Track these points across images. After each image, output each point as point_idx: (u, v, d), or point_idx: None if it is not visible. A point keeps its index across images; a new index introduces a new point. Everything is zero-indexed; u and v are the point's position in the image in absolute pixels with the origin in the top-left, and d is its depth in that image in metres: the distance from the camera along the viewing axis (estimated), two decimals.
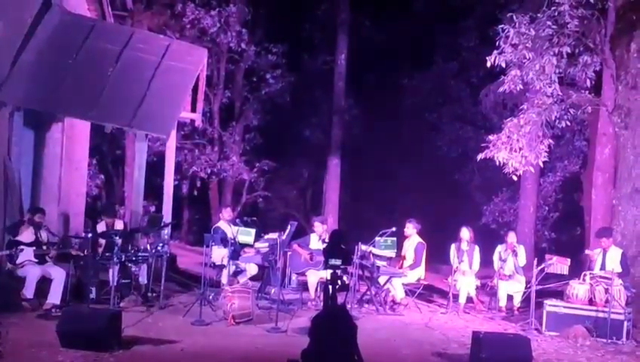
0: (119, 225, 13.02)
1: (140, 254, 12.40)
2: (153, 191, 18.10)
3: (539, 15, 13.15)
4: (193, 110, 16.14)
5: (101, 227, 12.80)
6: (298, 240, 14.00)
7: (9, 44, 13.17)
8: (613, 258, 12.44)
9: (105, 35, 14.67)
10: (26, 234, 11.55)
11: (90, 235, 12.51)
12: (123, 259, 11.99)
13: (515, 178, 14.55)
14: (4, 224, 12.36)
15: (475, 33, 24.46)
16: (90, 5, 16.32)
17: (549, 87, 13.36)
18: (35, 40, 13.70)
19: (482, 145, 14.17)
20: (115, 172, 25.28)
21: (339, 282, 6.91)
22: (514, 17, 13.12)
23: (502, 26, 13.36)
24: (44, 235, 11.85)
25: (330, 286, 7.05)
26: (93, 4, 16.35)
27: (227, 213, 14.37)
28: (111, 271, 11.68)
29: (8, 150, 13.00)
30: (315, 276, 13.12)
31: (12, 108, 13.04)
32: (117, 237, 11.86)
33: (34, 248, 11.46)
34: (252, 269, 13.65)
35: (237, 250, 13.37)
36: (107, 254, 12.04)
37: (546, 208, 23.73)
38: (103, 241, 12.44)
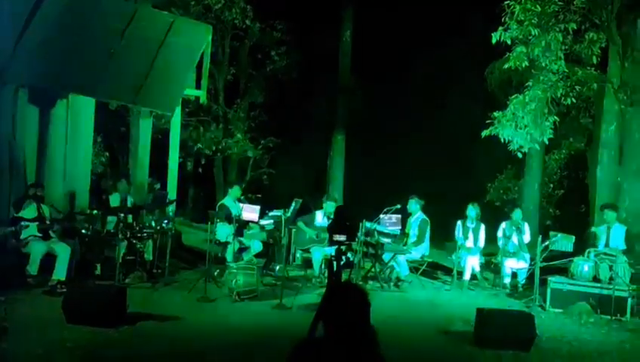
0: (130, 200, 13.11)
1: (145, 231, 12.44)
2: (158, 168, 18.10)
3: None
4: (198, 87, 16.11)
5: (114, 199, 12.88)
6: (303, 217, 14.04)
7: (14, 21, 13.13)
8: (618, 235, 12.46)
9: (109, 12, 14.60)
10: (29, 210, 11.56)
11: (95, 212, 12.55)
12: (128, 236, 12.03)
13: (520, 155, 14.54)
14: (10, 201, 12.38)
15: (480, 10, 24.30)
16: None
17: (555, 63, 13.33)
18: (40, 17, 13.63)
19: (487, 122, 14.15)
20: (120, 149, 25.18)
21: (343, 258, 6.91)
22: None
23: (508, 2, 13.31)
24: (46, 210, 11.86)
25: (334, 263, 7.06)
26: None
27: (237, 191, 14.28)
28: (117, 247, 11.71)
29: (13, 128, 13.00)
30: (320, 252, 13.17)
31: (16, 85, 13.03)
32: (122, 215, 11.92)
33: (37, 223, 11.48)
34: (256, 246, 13.68)
35: (242, 227, 13.40)
36: (112, 231, 12.08)
37: (551, 185, 23.69)
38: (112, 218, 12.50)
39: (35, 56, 13.09)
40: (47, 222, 11.70)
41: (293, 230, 14.09)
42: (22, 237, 11.26)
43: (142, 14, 14.88)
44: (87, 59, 13.65)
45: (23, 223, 11.24)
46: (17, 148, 13.00)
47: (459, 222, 14.02)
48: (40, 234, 11.46)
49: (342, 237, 7.13)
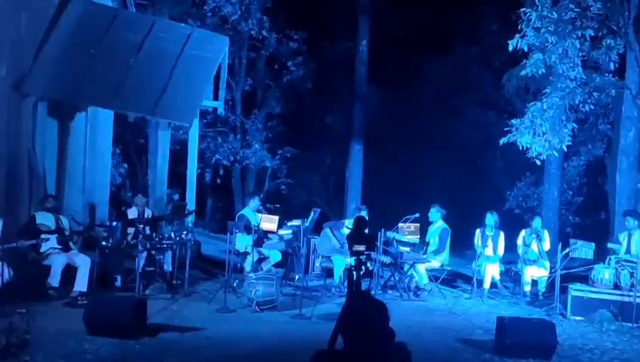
0: (149, 212, 13.15)
1: (164, 242, 12.48)
2: (177, 179, 18.17)
3: None
4: (215, 98, 16.16)
5: (132, 213, 12.93)
6: (331, 223, 14.07)
7: (32, 35, 13.25)
8: (639, 242, 12.38)
9: (127, 25, 14.70)
10: (47, 223, 11.58)
11: (115, 223, 12.61)
12: (148, 247, 12.07)
13: (538, 162, 14.49)
14: (30, 214, 12.46)
15: (496, 17, 24.32)
16: None
17: (573, 70, 13.30)
18: (58, 31, 13.76)
19: (505, 129, 14.12)
20: (138, 161, 25.36)
21: (363, 268, 6.92)
22: (536, 0, 13.04)
23: (524, 9, 13.29)
24: (65, 222, 11.90)
25: (354, 272, 7.07)
26: None
27: (255, 202, 14.30)
28: (136, 258, 11.75)
29: (32, 141, 13.10)
30: (342, 262, 13.16)
31: (36, 98, 13.13)
32: (142, 226, 11.95)
33: (56, 235, 11.51)
34: (276, 256, 13.69)
35: (261, 237, 13.42)
36: (133, 242, 12.12)
37: (570, 192, 23.62)
38: (130, 230, 12.55)
39: (53, 69, 13.22)
40: (67, 233, 11.75)
41: (314, 239, 14.11)
42: (42, 250, 11.29)
43: (159, 27, 14.96)
44: (106, 71, 13.73)
45: (43, 236, 11.25)
46: (37, 160, 13.09)
47: (478, 231, 13.97)
48: (60, 247, 11.50)
49: (361, 247, 7.14)
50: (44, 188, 13.23)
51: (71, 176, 14.74)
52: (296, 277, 13.54)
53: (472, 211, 15.98)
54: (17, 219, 12.27)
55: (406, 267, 13.60)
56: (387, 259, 13.33)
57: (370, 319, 3.83)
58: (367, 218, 13.02)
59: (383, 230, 13.16)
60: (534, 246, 13.63)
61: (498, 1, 23.67)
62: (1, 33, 12.20)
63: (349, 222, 13.90)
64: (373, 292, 12.27)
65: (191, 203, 14.68)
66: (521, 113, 14.51)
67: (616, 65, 14.07)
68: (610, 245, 13.13)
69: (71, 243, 11.79)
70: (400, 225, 13.70)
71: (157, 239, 12.40)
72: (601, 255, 12.76)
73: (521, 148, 14.00)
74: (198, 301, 11.82)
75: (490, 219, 13.91)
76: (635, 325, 11.17)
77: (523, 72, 14.01)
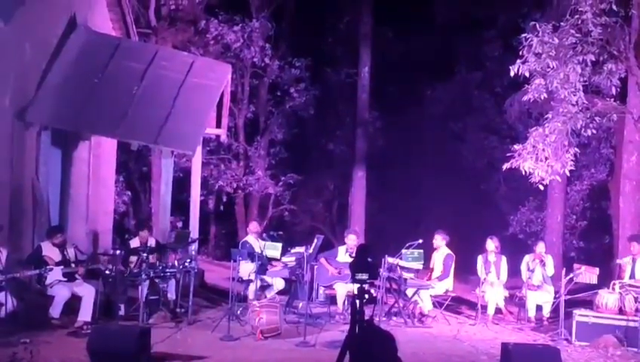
0: (152, 241, 13.12)
1: (168, 270, 12.44)
2: (180, 206, 18.19)
3: (562, 24, 13.10)
4: (218, 125, 16.21)
5: (134, 243, 12.91)
6: (325, 253, 14.04)
7: (36, 64, 13.35)
8: None
9: (130, 54, 14.81)
10: (54, 254, 11.56)
11: (118, 252, 12.59)
12: (151, 275, 12.05)
13: (541, 187, 14.48)
14: (34, 243, 12.47)
15: (498, 43, 24.43)
16: (114, 24, 16.49)
17: (574, 95, 13.28)
18: (61, 60, 13.86)
19: (508, 154, 14.12)
20: (141, 188, 25.41)
21: (366, 296, 6.90)
22: (537, 26, 13.09)
23: (525, 35, 13.33)
24: (71, 253, 11.87)
25: (357, 301, 7.06)
26: (117, 22, 16.51)
27: (254, 226, 14.44)
28: (140, 287, 11.73)
29: (36, 169, 13.15)
30: (344, 288, 13.14)
31: (39, 127, 13.20)
32: (145, 254, 11.94)
33: (62, 267, 11.49)
34: (279, 283, 13.68)
35: (264, 265, 13.39)
36: (136, 270, 12.10)
37: (574, 217, 23.55)
38: (133, 258, 12.51)
39: (57, 98, 13.29)
40: (72, 265, 11.71)
41: (315, 266, 14.09)
42: (47, 281, 11.25)
43: (162, 55, 15.07)
44: (109, 100, 13.82)
45: (48, 267, 11.22)
46: (40, 189, 13.12)
47: (480, 257, 13.96)
48: (65, 279, 11.46)
49: (364, 276, 7.13)
50: (47, 217, 13.25)
51: (74, 205, 14.79)
52: (300, 304, 13.50)
53: (475, 236, 15.93)
54: (21, 248, 12.30)
55: (410, 293, 13.56)
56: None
57: (379, 350, 3.83)
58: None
59: (386, 256, 13.15)
60: (538, 272, 13.60)
61: (500, 27, 23.83)
62: (4, 63, 12.26)
63: (342, 249, 13.95)
64: (377, 319, 12.24)
65: (194, 230, 14.67)
66: (523, 137, 14.50)
67: (618, 90, 14.07)
68: (618, 261, 13.15)
69: (76, 274, 11.76)
70: (403, 251, 13.67)
71: (160, 267, 12.38)
72: (606, 279, 12.73)
73: (524, 173, 13.99)
74: (201, 329, 11.79)
75: (491, 244, 13.89)
76: None
77: (525, 97, 14.02)
